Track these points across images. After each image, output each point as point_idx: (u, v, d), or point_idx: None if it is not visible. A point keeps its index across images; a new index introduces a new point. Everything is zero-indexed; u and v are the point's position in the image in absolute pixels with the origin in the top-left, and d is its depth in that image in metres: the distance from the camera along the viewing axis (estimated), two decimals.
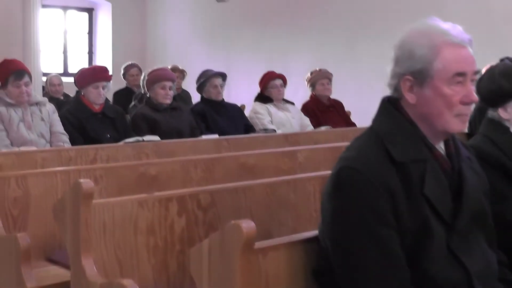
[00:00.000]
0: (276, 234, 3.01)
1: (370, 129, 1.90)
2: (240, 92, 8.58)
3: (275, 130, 5.50)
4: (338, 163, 1.82)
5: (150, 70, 5.55)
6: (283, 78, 6.11)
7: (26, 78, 4.46)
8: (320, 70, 6.49)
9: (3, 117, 4.38)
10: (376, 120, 1.91)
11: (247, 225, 1.78)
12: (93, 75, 4.78)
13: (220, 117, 5.54)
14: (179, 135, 5.10)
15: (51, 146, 4.50)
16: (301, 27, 8.62)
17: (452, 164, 1.85)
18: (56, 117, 4.63)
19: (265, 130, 5.42)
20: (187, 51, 9.93)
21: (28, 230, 3.12)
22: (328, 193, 1.83)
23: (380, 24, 7.64)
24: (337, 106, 6.56)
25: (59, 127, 4.60)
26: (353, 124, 6.52)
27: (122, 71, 7.85)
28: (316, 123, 6.22)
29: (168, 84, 5.20)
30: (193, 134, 5.25)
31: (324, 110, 6.41)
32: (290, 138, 5.34)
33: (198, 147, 4.71)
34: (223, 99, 5.72)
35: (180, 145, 4.63)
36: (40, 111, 4.56)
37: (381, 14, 7.71)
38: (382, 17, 7.68)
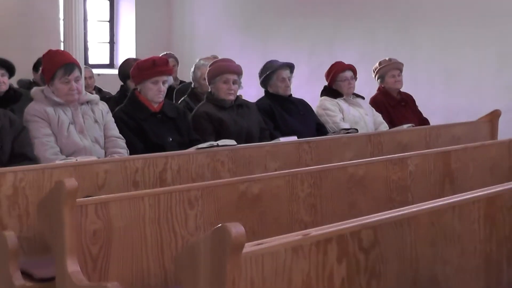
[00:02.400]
0: (441, 276, 2.31)
1: None
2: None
3: (357, 130, 4.75)
4: None
5: (212, 61, 4.83)
6: (353, 70, 5.35)
7: (76, 73, 3.70)
8: (390, 59, 5.74)
9: (50, 119, 3.61)
10: None
11: None
12: (152, 68, 4.01)
13: (289, 115, 4.80)
14: (249, 136, 4.37)
15: (106, 153, 3.75)
16: (348, 13, 7.78)
17: None
18: (110, 118, 3.87)
19: (346, 130, 4.67)
20: (218, 41, 9.09)
21: (110, 272, 2.38)
22: None
23: (439, 7, 6.84)
24: (409, 100, 5.81)
25: (114, 130, 3.84)
26: (426, 121, 5.77)
27: None
28: (388, 121, 5.48)
29: (232, 77, 4.46)
30: (263, 136, 4.51)
31: (395, 105, 5.66)
32: (374, 139, 4.66)
33: (278, 152, 4.03)
34: (291, 94, 4.96)
35: (257, 150, 3.94)
36: (93, 111, 3.80)
37: None
38: (441, 1, 6.87)
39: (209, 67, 4.55)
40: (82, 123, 3.69)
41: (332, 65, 5.37)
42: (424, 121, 5.76)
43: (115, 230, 2.39)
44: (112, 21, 9.74)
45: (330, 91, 5.29)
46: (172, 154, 3.52)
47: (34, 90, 3.77)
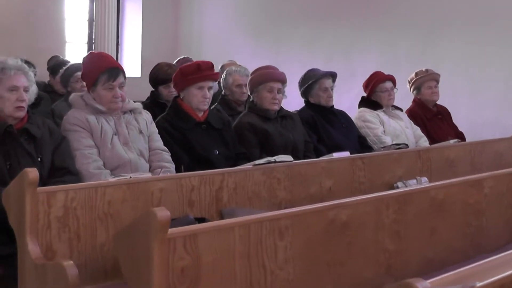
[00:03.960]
0: None
1: None
2: (292, 97, 7.40)
3: (407, 145, 4.46)
4: None
5: (234, 66, 4.53)
6: (393, 80, 5.07)
7: (121, 78, 3.36)
8: (426, 70, 5.49)
9: (92, 129, 3.26)
10: None
11: None
12: (197, 72, 3.68)
13: (332, 127, 4.49)
14: (295, 150, 4.06)
15: (150, 167, 3.41)
16: (368, 21, 7.47)
17: None
18: (154, 129, 3.53)
19: (397, 145, 4.37)
20: (227, 46, 8.74)
21: None
22: None
23: (464, 18, 6.58)
24: (444, 113, 5.54)
25: (159, 142, 3.50)
26: (462, 135, 5.51)
27: None
28: (425, 134, 5.20)
29: (277, 86, 4.15)
30: (307, 149, 4.20)
31: (431, 118, 5.39)
32: (423, 155, 4.36)
33: (333, 169, 3.75)
34: (333, 105, 4.66)
35: (313, 167, 3.65)
36: (137, 121, 3.45)
37: (465, 5, 6.61)
38: (466, 9, 6.60)
39: (251, 75, 4.24)
40: (126, 134, 3.35)
41: (371, 75, 5.08)
42: (460, 135, 5.50)
43: (203, 266, 2.05)
44: (117, 24, 9.35)
45: (369, 102, 4.99)
46: (229, 171, 3.20)
47: (73, 96, 3.42)
